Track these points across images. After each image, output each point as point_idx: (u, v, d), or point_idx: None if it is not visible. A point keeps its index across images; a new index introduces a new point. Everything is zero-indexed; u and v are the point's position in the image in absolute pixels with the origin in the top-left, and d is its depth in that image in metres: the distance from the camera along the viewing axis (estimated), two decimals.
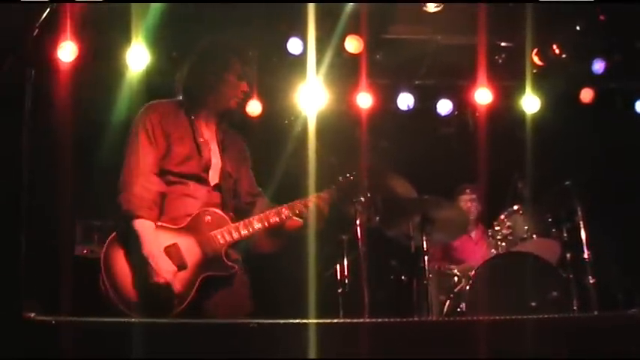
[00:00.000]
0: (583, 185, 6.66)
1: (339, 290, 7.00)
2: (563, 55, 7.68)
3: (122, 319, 3.03)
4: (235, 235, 4.28)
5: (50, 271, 6.64)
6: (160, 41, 7.18)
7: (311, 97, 7.37)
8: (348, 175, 4.84)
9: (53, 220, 6.94)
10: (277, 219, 4.40)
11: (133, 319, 3.05)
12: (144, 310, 3.98)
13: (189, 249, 4.17)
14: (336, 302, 6.93)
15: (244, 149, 4.75)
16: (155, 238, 4.12)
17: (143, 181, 4.22)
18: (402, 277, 7.23)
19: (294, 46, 7.28)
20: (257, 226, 4.35)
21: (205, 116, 4.54)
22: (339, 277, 7.02)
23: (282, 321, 3.21)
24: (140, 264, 4.06)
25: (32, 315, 2.86)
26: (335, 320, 3.32)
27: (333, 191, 4.68)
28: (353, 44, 7.43)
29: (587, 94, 8.23)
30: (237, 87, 4.51)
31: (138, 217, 4.14)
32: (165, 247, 4.13)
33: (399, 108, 8.22)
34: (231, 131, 4.69)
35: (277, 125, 7.89)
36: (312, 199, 4.52)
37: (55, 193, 6.97)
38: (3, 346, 2.77)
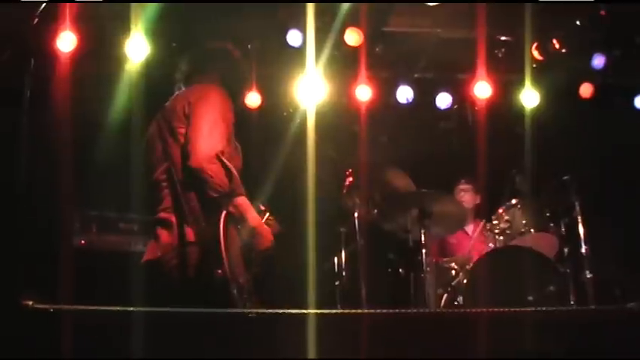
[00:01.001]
0: (581, 180, 6.67)
1: (337, 283, 7.01)
2: (563, 50, 7.68)
3: (120, 308, 3.02)
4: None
5: (48, 261, 6.65)
6: (160, 32, 7.17)
7: (310, 89, 7.36)
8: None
9: (52, 210, 6.94)
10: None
11: (130, 308, 3.04)
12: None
13: None
14: (334, 294, 6.94)
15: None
16: (255, 211, 4.23)
17: (220, 165, 4.14)
18: (400, 271, 7.24)
19: (293, 37, 7.27)
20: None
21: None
22: (336, 270, 7.03)
23: (280, 311, 3.22)
24: (247, 237, 4.15)
25: (30, 303, 2.86)
26: (333, 311, 3.33)
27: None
28: (353, 37, 7.42)
29: (586, 89, 8.22)
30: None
31: (241, 194, 4.18)
32: None
33: (398, 101, 8.21)
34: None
35: (276, 117, 7.88)
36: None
37: (53, 183, 6.98)
38: (1, 334, 2.77)
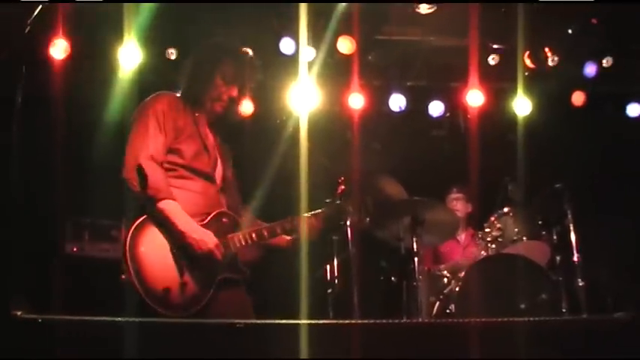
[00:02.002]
0: (573, 188, 6.67)
1: (329, 291, 7.00)
2: (555, 58, 7.70)
3: (110, 318, 3.01)
4: (249, 241, 4.31)
5: (39, 269, 6.63)
6: (152, 39, 7.18)
7: (303, 97, 7.37)
8: (335, 201, 4.81)
9: (43, 218, 6.93)
10: (281, 232, 4.46)
11: (120, 319, 3.03)
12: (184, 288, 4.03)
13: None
14: (326, 303, 6.93)
15: (229, 153, 4.73)
16: (185, 214, 4.13)
17: (154, 166, 4.16)
18: (392, 279, 7.23)
19: (286, 45, 7.28)
20: (266, 236, 4.38)
21: (206, 117, 4.52)
22: (328, 278, 7.02)
23: (271, 321, 3.22)
24: (178, 242, 4.08)
25: (19, 313, 2.85)
26: (325, 321, 3.33)
27: (321, 215, 4.64)
28: (345, 45, 7.43)
29: (578, 97, 8.25)
30: (223, 91, 4.46)
31: (162, 198, 4.11)
32: None
33: (390, 109, 8.22)
34: (224, 137, 4.69)
35: (269, 125, 7.88)
36: (310, 217, 4.56)
37: (45, 191, 6.97)
38: None
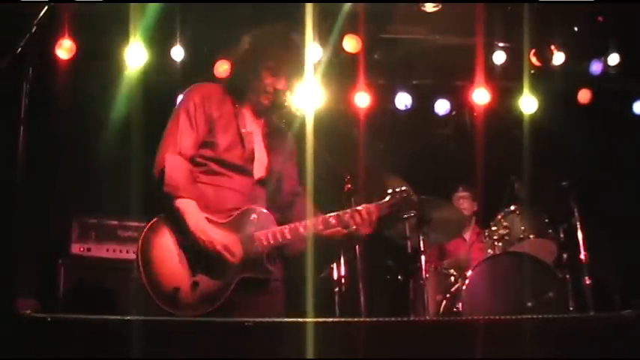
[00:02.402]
0: (580, 186, 6.67)
1: (336, 290, 6.99)
2: (562, 56, 7.69)
3: (118, 317, 3.01)
4: (280, 239, 4.09)
5: (46, 270, 6.65)
6: (158, 39, 7.19)
7: (309, 95, 7.36)
8: (400, 189, 4.45)
9: (49, 218, 6.95)
10: (322, 227, 4.17)
11: (128, 317, 3.04)
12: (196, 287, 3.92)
13: (233, 245, 4.01)
14: (333, 302, 6.92)
15: (292, 145, 4.53)
16: (202, 216, 4.00)
17: (177, 162, 4.07)
18: (399, 277, 7.24)
19: None
20: (302, 233, 4.12)
21: (252, 108, 4.35)
22: (335, 277, 7.01)
23: (279, 320, 3.22)
24: (188, 241, 3.97)
25: (28, 312, 2.85)
26: (332, 319, 3.32)
27: (384, 205, 4.34)
28: (351, 43, 7.44)
29: (584, 95, 8.24)
30: (268, 83, 4.26)
31: (179, 196, 4.00)
32: None
33: (396, 107, 8.23)
34: (280, 126, 4.48)
35: None
36: (360, 211, 4.22)
37: (51, 191, 6.98)
38: None
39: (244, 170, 4.20)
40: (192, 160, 4.15)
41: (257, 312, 4.01)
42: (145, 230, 4.03)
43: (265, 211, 4.15)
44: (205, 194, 4.11)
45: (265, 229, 4.09)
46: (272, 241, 4.07)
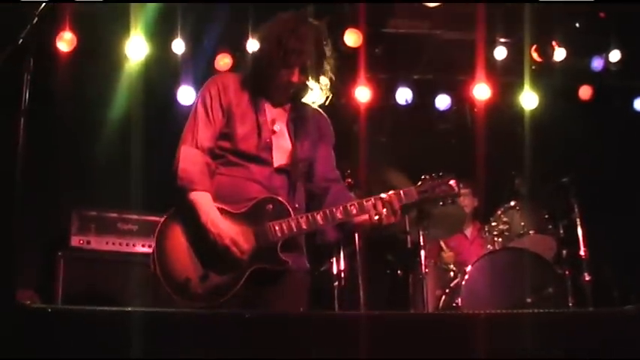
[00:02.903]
0: (580, 182, 6.67)
1: (335, 284, 7.00)
2: (563, 52, 7.69)
3: (118, 308, 3.02)
4: (295, 229, 4.00)
5: (45, 262, 6.65)
6: (158, 33, 7.18)
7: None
8: (434, 174, 4.36)
9: (49, 211, 6.95)
10: (342, 217, 4.05)
11: (129, 309, 3.04)
12: (206, 278, 3.90)
13: (245, 236, 3.96)
14: (332, 296, 6.93)
15: (325, 128, 4.41)
16: (214, 208, 3.97)
17: (192, 155, 4.05)
18: (398, 272, 7.24)
19: None
20: (320, 222, 4.02)
21: (274, 95, 4.23)
22: (335, 271, 7.02)
23: (278, 313, 3.22)
24: (200, 234, 3.94)
25: (27, 303, 2.86)
26: (331, 312, 3.33)
27: (413, 190, 4.21)
28: (352, 38, 7.43)
29: (585, 91, 8.24)
30: (284, 74, 4.12)
31: (193, 190, 3.98)
32: None
33: (397, 102, 8.22)
34: (310, 110, 4.36)
35: None
36: (385, 198, 4.09)
37: (51, 183, 6.98)
38: None
39: (261, 160, 4.12)
40: (211, 152, 4.11)
41: (272, 303, 3.98)
42: (161, 222, 4.03)
43: (282, 200, 4.06)
44: (223, 185, 4.08)
45: (281, 219, 4.01)
46: (287, 232, 3.99)
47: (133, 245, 6.78)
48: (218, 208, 3.99)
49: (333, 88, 4.32)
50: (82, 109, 7.24)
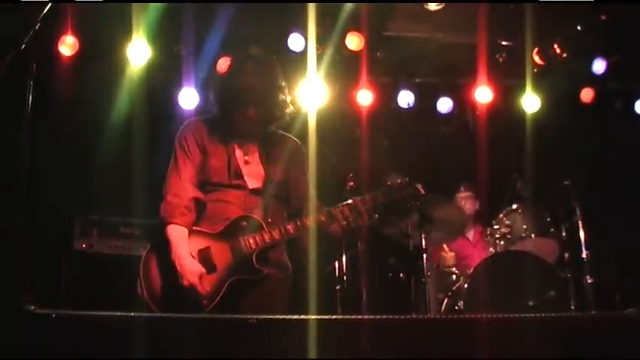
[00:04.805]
0: (582, 185, 6.67)
1: (337, 287, 7.00)
2: (564, 55, 7.69)
3: (121, 313, 3.02)
4: (268, 240, 4.34)
5: (48, 266, 6.65)
6: (160, 36, 7.18)
7: (311, 93, 7.37)
8: (399, 180, 4.66)
9: (52, 215, 6.95)
10: (312, 225, 4.40)
11: (132, 314, 3.05)
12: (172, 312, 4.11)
13: (221, 252, 4.31)
14: (334, 299, 6.94)
15: (297, 153, 4.72)
16: (185, 243, 4.30)
17: (177, 189, 4.41)
18: (401, 275, 7.24)
19: (294, 42, 7.28)
20: (292, 232, 4.38)
21: (240, 131, 4.57)
22: (337, 274, 7.02)
23: (281, 317, 3.23)
24: (168, 268, 4.24)
25: (32, 308, 2.86)
26: (334, 317, 3.33)
27: (377, 194, 4.55)
28: (354, 41, 7.43)
29: (587, 94, 8.24)
30: (244, 111, 4.50)
31: (170, 223, 4.33)
32: (198, 250, 4.31)
33: (399, 106, 8.21)
34: (282, 136, 4.71)
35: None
36: (352, 203, 4.45)
37: (54, 188, 6.98)
38: (3, 339, 2.77)
39: (234, 186, 4.47)
40: (196, 185, 4.47)
41: (251, 310, 4.16)
42: (145, 251, 4.40)
43: (256, 217, 4.39)
44: (207, 209, 4.44)
45: (255, 233, 4.35)
46: (260, 243, 4.32)
47: (136, 249, 6.80)
48: (197, 231, 4.37)
49: (293, 113, 4.66)
50: (84, 113, 7.24)
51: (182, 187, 4.41)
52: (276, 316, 3.21)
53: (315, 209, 4.51)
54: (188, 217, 4.37)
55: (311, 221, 4.39)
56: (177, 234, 4.31)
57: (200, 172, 4.47)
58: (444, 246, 7.17)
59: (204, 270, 4.23)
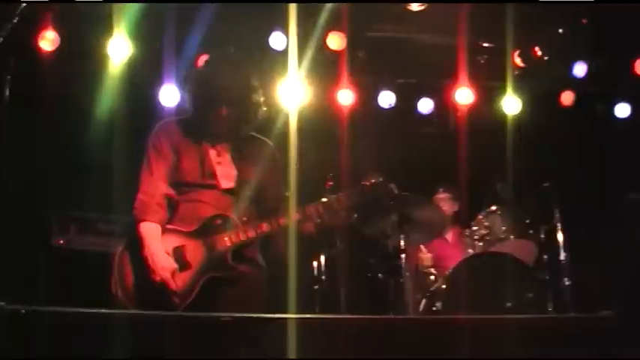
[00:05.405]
0: (561, 187, 6.69)
1: (316, 287, 7.00)
2: (545, 58, 7.72)
3: (95, 310, 3.01)
4: (242, 238, 4.37)
5: (26, 262, 6.61)
6: (141, 33, 7.15)
7: (292, 92, 7.36)
8: (373, 179, 4.72)
9: (30, 211, 6.91)
10: (286, 222, 4.44)
11: (105, 310, 3.03)
12: (143, 308, 4.14)
13: (195, 250, 4.32)
14: (313, 298, 6.93)
15: (270, 155, 4.72)
16: (158, 239, 4.30)
17: (148, 187, 4.42)
18: (379, 275, 7.23)
19: (276, 40, 7.27)
20: (265, 230, 4.41)
21: (213, 131, 4.57)
22: (316, 274, 7.02)
23: (256, 315, 3.22)
24: (140, 264, 4.24)
25: (2, 304, 2.84)
26: (312, 315, 3.33)
27: (351, 192, 4.63)
28: (335, 41, 7.43)
29: (567, 97, 8.27)
30: (217, 115, 4.50)
31: (142, 220, 4.34)
32: (173, 248, 4.32)
33: (380, 106, 8.22)
34: (255, 138, 4.71)
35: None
36: (326, 202, 4.51)
37: (32, 184, 6.95)
38: None
39: (207, 185, 4.48)
40: (169, 185, 4.46)
41: (226, 307, 4.25)
42: (119, 251, 4.40)
43: (230, 215, 4.41)
44: (181, 208, 4.45)
45: (229, 231, 4.37)
46: (234, 240, 4.35)
47: (114, 246, 6.76)
48: (171, 229, 4.38)
49: (267, 114, 4.69)
50: (64, 109, 7.19)
51: (153, 185, 4.41)
52: (253, 315, 3.21)
53: (294, 208, 4.52)
54: (160, 214, 4.37)
55: (289, 220, 4.40)
56: (150, 231, 4.31)
57: (173, 173, 4.47)
58: (421, 247, 7.17)
59: (176, 266, 4.24)
